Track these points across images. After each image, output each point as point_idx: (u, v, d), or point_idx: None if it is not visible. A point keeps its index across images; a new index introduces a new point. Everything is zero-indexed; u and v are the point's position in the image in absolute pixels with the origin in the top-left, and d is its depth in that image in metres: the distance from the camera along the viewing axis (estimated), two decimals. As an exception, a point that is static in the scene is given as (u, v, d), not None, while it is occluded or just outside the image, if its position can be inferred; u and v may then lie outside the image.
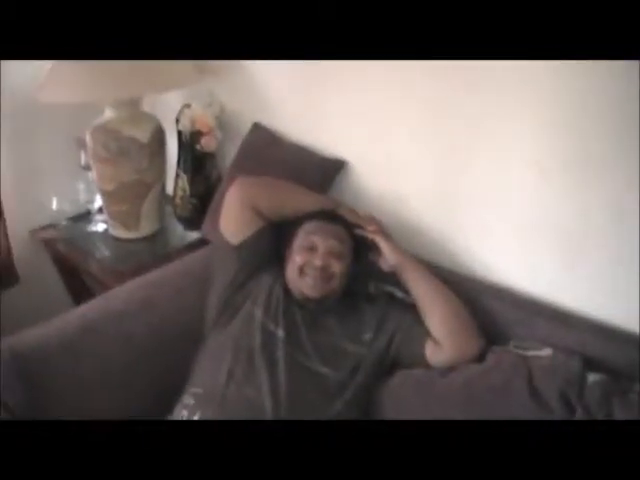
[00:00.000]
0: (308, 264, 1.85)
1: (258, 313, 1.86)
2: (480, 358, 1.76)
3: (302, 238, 1.90)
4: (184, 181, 2.57)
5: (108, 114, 2.49)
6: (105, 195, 2.57)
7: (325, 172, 2.26)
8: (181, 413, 1.74)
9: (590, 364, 1.64)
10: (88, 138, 2.49)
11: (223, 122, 2.53)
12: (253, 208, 1.94)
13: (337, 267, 1.86)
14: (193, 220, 2.57)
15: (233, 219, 1.97)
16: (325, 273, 1.85)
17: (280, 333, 1.82)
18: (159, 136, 2.54)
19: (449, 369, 1.77)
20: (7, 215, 2.64)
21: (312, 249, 1.87)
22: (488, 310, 1.87)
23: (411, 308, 1.87)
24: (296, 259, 1.87)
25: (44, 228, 2.76)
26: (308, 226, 1.91)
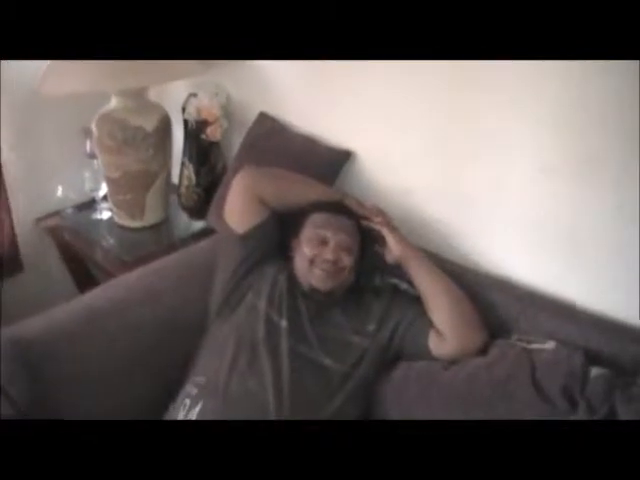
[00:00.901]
0: (318, 257, 1.85)
1: (262, 304, 1.85)
2: (483, 351, 1.76)
3: (311, 231, 1.89)
4: (189, 170, 2.56)
5: (114, 103, 2.49)
6: (110, 184, 2.57)
7: (331, 163, 2.25)
8: (183, 402, 1.74)
9: (593, 358, 1.64)
10: (94, 127, 2.49)
11: (229, 111, 2.53)
12: (258, 198, 1.94)
13: (347, 260, 1.87)
14: (198, 209, 2.57)
15: (238, 209, 1.97)
16: (335, 267, 1.85)
17: (284, 324, 1.82)
18: (165, 125, 2.54)
19: (452, 362, 1.77)
20: (12, 203, 2.65)
21: (322, 242, 1.87)
22: (492, 303, 1.87)
23: (415, 300, 1.87)
24: (306, 252, 1.87)
25: (49, 216, 2.77)
26: (316, 219, 1.91)
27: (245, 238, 1.94)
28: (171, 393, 1.81)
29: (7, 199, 2.62)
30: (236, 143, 2.44)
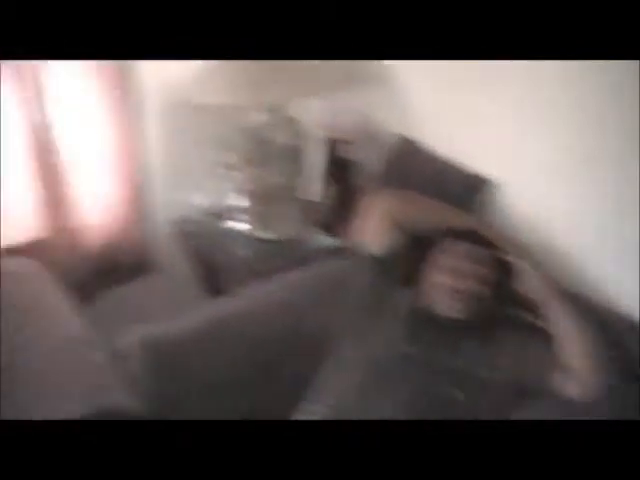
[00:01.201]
0: (452, 287, 1.83)
1: (392, 329, 1.85)
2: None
3: (446, 259, 1.87)
4: (325, 187, 2.59)
5: (255, 116, 2.53)
6: (248, 195, 2.62)
7: (468, 189, 2.24)
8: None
9: None
10: (235, 139, 2.54)
11: (368, 131, 2.54)
12: (394, 221, 1.94)
13: (481, 292, 1.84)
14: (332, 226, 2.59)
15: (374, 231, 1.98)
16: (470, 297, 1.83)
17: (413, 351, 1.81)
18: (303, 141, 2.57)
19: (583, 403, 1.72)
20: (150, 205, 2.73)
21: (458, 272, 1.84)
22: (628, 346, 1.80)
23: (549, 338, 1.82)
24: (440, 280, 1.85)
25: (185, 221, 2.83)
26: (452, 247, 1.88)
27: (378, 260, 1.95)
28: (291, 407, 1.82)
29: (142, 201, 2.71)
30: (373, 163, 2.45)
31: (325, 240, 2.65)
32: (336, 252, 2.43)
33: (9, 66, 2.12)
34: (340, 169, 2.56)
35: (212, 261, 2.75)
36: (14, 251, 2.45)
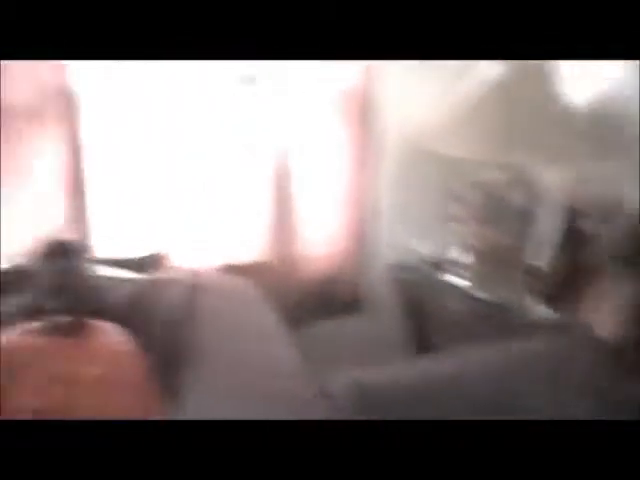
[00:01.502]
0: None
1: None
2: None
3: None
4: (556, 257, 2.48)
5: (491, 173, 2.49)
6: (471, 251, 2.58)
7: None
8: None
9: None
10: (463, 192, 2.51)
11: (612, 206, 2.40)
12: (631, 308, 1.82)
13: None
14: (556, 299, 2.47)
15: (606, 314, 1.87)
16: None
17: None
18: (539, 205, 2.49)
19: None
20: (372, 245, 2.74)
21: None
22: None
23: None
24: None
25: (403, 267, 2.82)
26: None
27: (607, 346, 1.83)
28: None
29: (365, 240, 2.72)
30: (612, 241, 2.31)
31: (546, 312, 2.53)
32: (556, 327, 2.32)
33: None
34: (575, 241, 2.44)
35: (424, 311, 2.73)
36: (234, 269, 2.53)
